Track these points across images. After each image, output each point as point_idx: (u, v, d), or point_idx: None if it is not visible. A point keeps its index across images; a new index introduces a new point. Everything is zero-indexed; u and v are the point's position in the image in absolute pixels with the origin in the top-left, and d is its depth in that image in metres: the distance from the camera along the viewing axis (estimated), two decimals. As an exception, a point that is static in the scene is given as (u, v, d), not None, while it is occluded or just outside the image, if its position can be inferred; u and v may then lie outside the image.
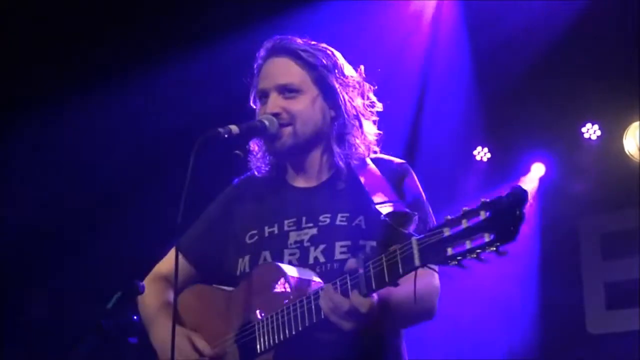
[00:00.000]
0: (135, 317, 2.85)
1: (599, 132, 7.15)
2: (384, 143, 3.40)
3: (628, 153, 7.03)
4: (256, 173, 3.39)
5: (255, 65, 3.40)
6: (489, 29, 6.50)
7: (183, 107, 6.35)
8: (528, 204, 2.40)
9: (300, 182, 3.35)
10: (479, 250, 2.40)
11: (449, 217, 2.48)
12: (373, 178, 3.21)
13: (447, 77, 6.76)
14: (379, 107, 3.40)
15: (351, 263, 2.79)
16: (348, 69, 3.36)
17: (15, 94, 6.42)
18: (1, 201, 6.62)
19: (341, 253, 3.10)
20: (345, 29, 5.71)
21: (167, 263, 3.48)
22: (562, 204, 7.33)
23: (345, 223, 3.14)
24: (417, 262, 2.56)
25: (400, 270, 2.62)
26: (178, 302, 3.20)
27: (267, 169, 3.38)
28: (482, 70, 6.82)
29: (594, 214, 7.39)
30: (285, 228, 3.23)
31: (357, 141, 3.28)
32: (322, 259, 3.10)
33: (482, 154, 7.62)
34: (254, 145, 3.37)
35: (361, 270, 2.72)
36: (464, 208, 2.44)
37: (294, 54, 3.29)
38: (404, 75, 6.53)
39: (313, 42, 3.35)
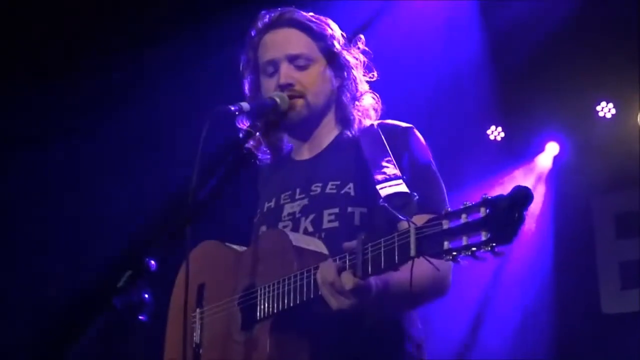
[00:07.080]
0: (146, 296, 2.81)
1: (613, 111, 7.12)
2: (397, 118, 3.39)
3: (642, 131, 6.99)
4: (261, 162, 3.42)
5: (251, 40, 3.37)
6: (502, 7, 6.47)
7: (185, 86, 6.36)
8: (530, 205, 2.28)
9: (302, 155, 3.38)
10: (474, 248, 2.33)
11: (449, 209, 2.42)
12: (376, 143, 3.18)
13: (461, 56, 6.72)
14: (374, 76, 3.39)
15: (352, 243, 2.71)
16: (345, 40, 3.37)
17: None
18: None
19: (329, 221, 3.09)
20: (354, 11, 5.71)
21: None
22: (576, 183, 7.31)
23: (334, 191, 3.13)
24: (412, 252, 2.49)
25: (396, 258, 2.55)
26: (189, 258, 3.01)
27: (270, 156, 3.42)
28: (496, 49, 6.79)
29: (608, 193, 7.36)
30: (281, 201, 3.27)
31: (363, 105, 3.30)
32: (310, 229, 3.11)
33: (495, 133, 7.58)
34: (256, 140, 3.34)
35: (360, 252, 2.64)
36: (466, 202, 2.38)
37: (300, 25, 3.30)
38: (417, 55, 6.50)
39: (312, 14, 3.36)
